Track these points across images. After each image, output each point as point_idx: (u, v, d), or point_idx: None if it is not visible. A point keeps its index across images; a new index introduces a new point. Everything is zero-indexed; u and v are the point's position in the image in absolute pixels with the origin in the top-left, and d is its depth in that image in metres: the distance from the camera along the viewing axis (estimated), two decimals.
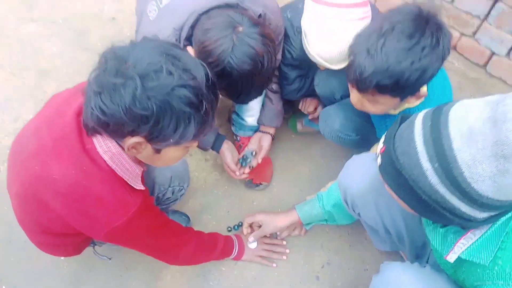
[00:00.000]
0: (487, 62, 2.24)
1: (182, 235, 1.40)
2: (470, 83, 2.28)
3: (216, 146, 1.79)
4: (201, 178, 1.98)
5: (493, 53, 2.18)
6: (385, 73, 1.13)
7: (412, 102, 1.31)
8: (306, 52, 1.53)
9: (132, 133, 0.96)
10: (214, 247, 1.54)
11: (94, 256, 1.69)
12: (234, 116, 1.92)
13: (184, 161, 1.54)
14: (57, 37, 2.54)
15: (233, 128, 1.96)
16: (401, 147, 0.85)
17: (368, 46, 1.14)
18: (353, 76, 1.21)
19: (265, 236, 1.74)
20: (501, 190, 0.75)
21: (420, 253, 1.41)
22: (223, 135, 1.83)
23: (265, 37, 1.29)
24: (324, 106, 1.84)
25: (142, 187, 1.15)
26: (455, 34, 2.24)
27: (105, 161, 1.05)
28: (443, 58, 1.14)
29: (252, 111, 1.83)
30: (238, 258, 1.70)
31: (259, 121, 1.86)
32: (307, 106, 1.97)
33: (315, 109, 1.97)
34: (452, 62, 2.33)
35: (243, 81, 1.29)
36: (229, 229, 1.82)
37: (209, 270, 1.70)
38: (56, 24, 2.60)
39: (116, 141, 1.03)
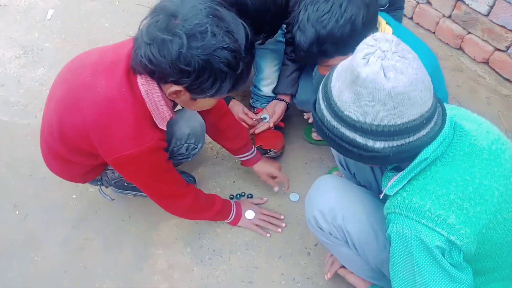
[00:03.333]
0: None
1: (182, 186, 1.47)
2: (499, 100, 2.24)
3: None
4: (215, 150, 2.06)
5: None
6: (319, 41, 1.23)
7: None
8: None
9: (174, 82, 1.09)
10: (210, 208, 1.60)
11: (101, 199, 1.82)
12: (252, 88, 2.01)
13: (202, 123, 1.63)
14: (112, 15, 2.79)
15: (251, 101, 2.05)
16: (317, 99, 0.98)
17: (298, 23, 1.26)
18: (298, 55, 1.34)
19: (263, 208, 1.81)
20: (368, 113, 0.84)
21: None
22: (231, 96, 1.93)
23: None
24: None
25: (164, 128, 1.26)
26: (489, 48, 2.23)
27: (140, 92, 1.17)
28: (366, 4, 1.21)
29: (268, 79, 1.90)
30: (234, 223, 1.75)
31: (275, 90, 1.93)
32: None
33: None
34: (483, 77, 2.31)
35: (257, 8, 1.36)
36: (231, 197, 1.88)
37: (205, 229, 1.76)
38: (113, 4, 2.86)
39: (157, 83, 1.16)
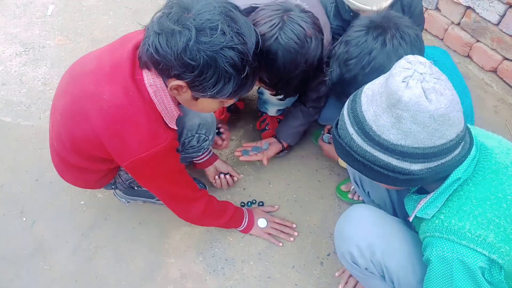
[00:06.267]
0: None
1: (196, 191, 1.46)
2: (507, 108, 2.25)
3: None
4: (223, 155, 2.04)
5: None
6: (342, 82, 1.21)
7: None
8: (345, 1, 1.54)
9: (177, 77, 1.06)
10: (223, 214, 1.59)
11: (110, 205, 1.79)
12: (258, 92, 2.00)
13: (212, 114, 1.61)
14: (114, 12, 2.73)
15: (258, 105, 2.05)
16: (340, 124, 0.99)
17: (332, 58, 1.25)
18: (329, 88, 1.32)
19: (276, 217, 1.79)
20: (408, 136, 0.84)
21: None
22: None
23: (315, 24, 1.33)
24: None
25: (175, 127, 1.24)
26: (497, 57, 2.23)
27: (148, 93, 1.15)
28: (399, 56, 1.13)
29: (270, 105, 1.92)
30: (246, 231, 1.74)
31: (276, 134, 1.93)
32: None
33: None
34: (491, 85, 2.32)
35: (287, 61, 1.28)
36: (243, 204, 1.86)
37: (217, 238, 1.74)
38: (115, 1, 2.79)
39: (163, 79, 1.13)
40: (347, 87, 1.21)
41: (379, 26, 1.18)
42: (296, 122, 1.87)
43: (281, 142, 1.91)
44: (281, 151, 1.95)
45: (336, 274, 1.62)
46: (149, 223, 1.78)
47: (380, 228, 1.20)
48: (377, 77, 1.14)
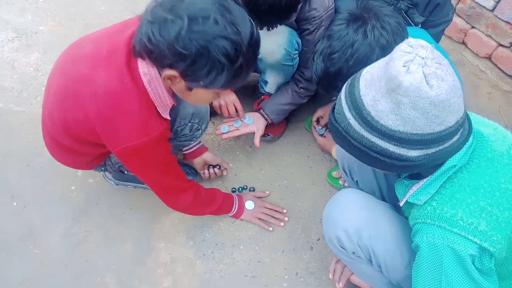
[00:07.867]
0: None
1: (185, 181, 1.46)
2: (501, 95, 2.24)
3: None
4: (215, 141, 2.04)
5: None
6: (328, 76, 1.21)
7: None
8: None
9: (170, 66, 1.05)
10: (211, 203, 1.59)
11: (101, 191, 1.79)
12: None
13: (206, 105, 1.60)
14: None
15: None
16: (337, 108, 0.97)
17: (314, 53, 1.25)
18: (315, 82, 1.32)
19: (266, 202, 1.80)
20: (407, 122, 0.82)
21: None
22: None
23: None
24: None
25: (167, 117, 1.24)
26: (492, 44, 2.22)
27: (142, 82, 1.14)
28: (381, 46, 1.16)
29: (269, 85, 1.90)
30: (236, 216, 1.74)
31: (262, 106, 1.91)
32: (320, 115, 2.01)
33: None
34: (485, 72, 2.31)
35: None
36: (234, 190, 1.86)
37: (207, 224, 1.75)
38: None
39: (157, 69, 1.12)
40: (333, 80, 1.21)
41: (359, 17, 1.17)
42: (284, 99, 1.86)
43: (266, 119, 1.89)
44: (267, 134, 1.95)
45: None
46: (140, 208, 1.78)
47: (368, 212, 1.20)
48: (361, 68, 1.14)
